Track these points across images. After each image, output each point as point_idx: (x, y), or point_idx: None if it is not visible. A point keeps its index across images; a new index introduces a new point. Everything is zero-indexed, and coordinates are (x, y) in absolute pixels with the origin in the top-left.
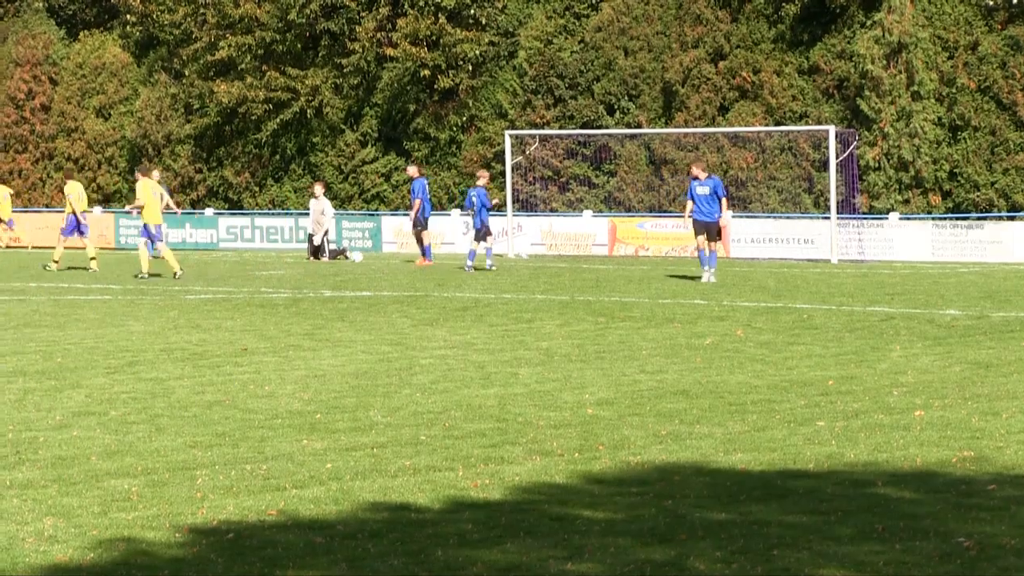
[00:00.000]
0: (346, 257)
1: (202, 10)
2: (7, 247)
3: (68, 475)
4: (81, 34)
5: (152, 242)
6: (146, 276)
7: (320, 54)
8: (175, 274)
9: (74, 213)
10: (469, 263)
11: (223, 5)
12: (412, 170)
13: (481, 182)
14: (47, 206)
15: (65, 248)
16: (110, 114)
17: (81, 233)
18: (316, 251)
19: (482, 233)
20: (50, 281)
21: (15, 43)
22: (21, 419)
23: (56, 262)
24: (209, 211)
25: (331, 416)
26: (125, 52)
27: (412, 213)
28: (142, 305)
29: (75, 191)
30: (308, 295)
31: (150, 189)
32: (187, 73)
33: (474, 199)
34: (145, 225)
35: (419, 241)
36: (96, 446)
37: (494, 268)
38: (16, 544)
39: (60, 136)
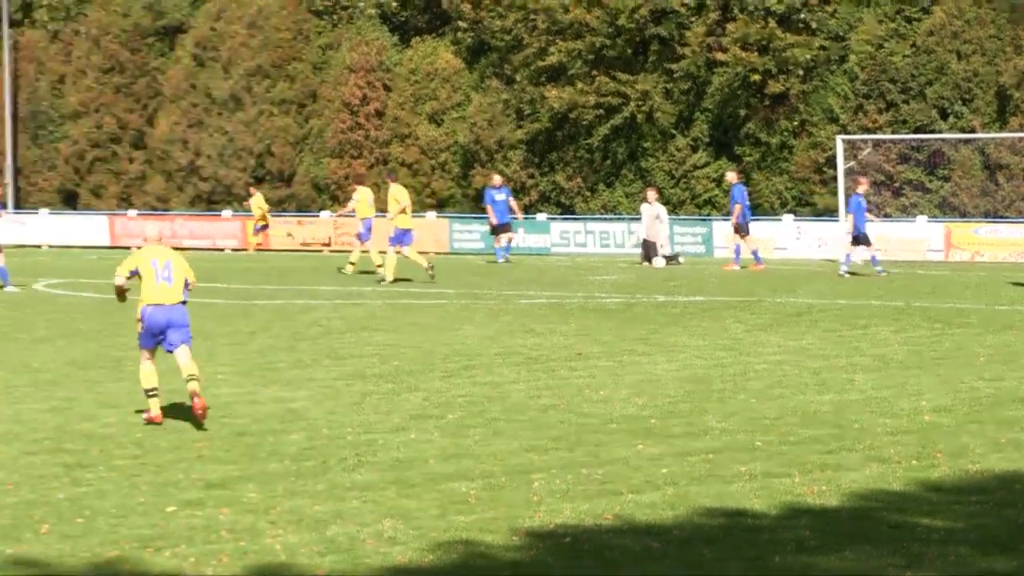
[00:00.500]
0: (678, 262)
1: (532, 16)
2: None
3: (406, 477)
4: (413, 40)
5: (398, 244)
6: (388, 280)
7: (650, 59)
8: (381, 280)
9: (368, 218)
10: (844, 267)
11: (553, 11)
12: (731, 176)
13: (860, 189)
14: (381, 211)
15: (362, 252)
16: (442, 120)
17: (360, 238)
18: (649, 255)
19: (862, 239)
20: (386, 286)
21: (349, 49)
22: (360, 422)
23: (352, 264)
24: (542, 216)
25: (666, 421)
26: (457, 58)
27: (732, 219)
28: (477, 309)
29: (365, 197)
30: (642, 300)
31: (404, 194)
32: (518, 79)
33: (861, 202)
34: (395, 229)
35: (742, 247)
36: (434, 449)
37: (883, 274)
38: (357, 545)
39: (394, 142)
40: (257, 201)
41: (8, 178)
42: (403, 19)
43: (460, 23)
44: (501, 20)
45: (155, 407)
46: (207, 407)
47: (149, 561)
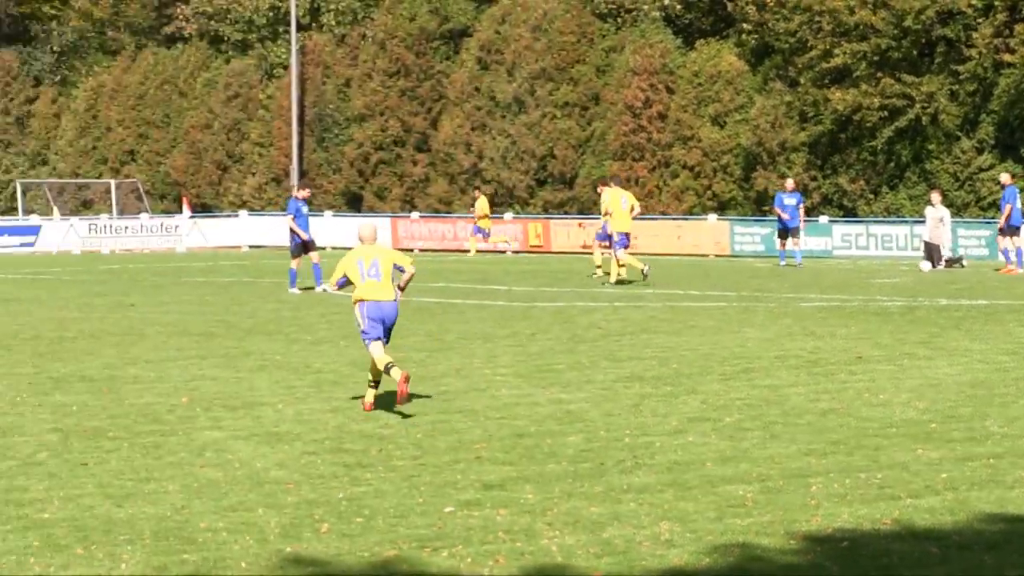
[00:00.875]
0: (962, 265)
1: (817, 18)
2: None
3: (684, 480)
4: (697, 43)
5: (616, 248)
6: (611, 283)
7: (936, 60)
8: (604, 282)
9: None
10: None
11: (838, 12)
12: (1005, 177)
13: None
14: (663, 213)
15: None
16: (725, 122)
17: (601, 239)
18: (932, 258)
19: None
20: (666, 288)
21: (632, 52)
22: (638, 424)
23: (642, 270)
24: (823, 219)
25: (946, 425)
26: (740, 60)
27: (1001, 220)
28: (757, 312)
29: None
30: (923, 303)
31: (618, 198)
32: (802, 81)
33: None
34: (613, 232)
35: (1009, 248)
36: (711, 452)
37: None
38: (633, 547)
39: (676, 144)
40: (482, 204)
41: (294, 180)
42: (687, 22)
43: (744, 25)
44: (786, 22)
45: (396, 374)
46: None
47: (426, 561)
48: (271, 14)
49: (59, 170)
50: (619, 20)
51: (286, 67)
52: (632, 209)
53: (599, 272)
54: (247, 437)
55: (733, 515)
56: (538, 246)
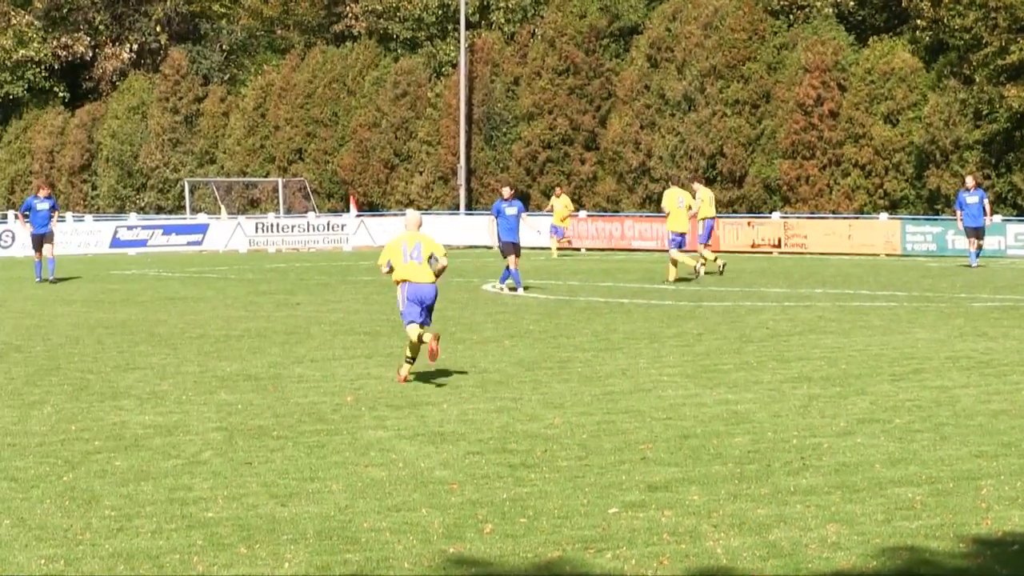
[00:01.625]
0: None
1: (993, 14)
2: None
3: (851, 482)
4: (870, 39)
5: (671, 247)
6: (670, 284)
7: None
8: (664, 280)
9: (707, 219)
10: None
11: (1015, 8)
12: None
13: None
14: (833, 212)
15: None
16: (898, 120)
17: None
18: None
19: None
20: (835, 287)
21: (804, 49)
22: (805, 425)
23: (713, 261)
24: (997, 218)
25: None
26: (914, 57)
27: None
28: (927, 312)
29: (706, 195)
30: None
31: (675, 197)
32: (977, 78)
33: None
34: (669, 231)
35: None
36: (880, 454)
37: None
38: (799, 550)
39: (847, 142)
40: (564, 203)
41: (461, 178)
42: (860, 18)
43: (918, 21)
44: (961, 19)
45: (406, 371)
46: (437, 348)
47: (590, 562)
48: (440, 12)
49: (227, 169)
50: (791, 17)
51: (455, 65)
52: (689, 209)
53: (702, 268)
54: (411, 437)
55: (902, 518)
56: (706, 246)
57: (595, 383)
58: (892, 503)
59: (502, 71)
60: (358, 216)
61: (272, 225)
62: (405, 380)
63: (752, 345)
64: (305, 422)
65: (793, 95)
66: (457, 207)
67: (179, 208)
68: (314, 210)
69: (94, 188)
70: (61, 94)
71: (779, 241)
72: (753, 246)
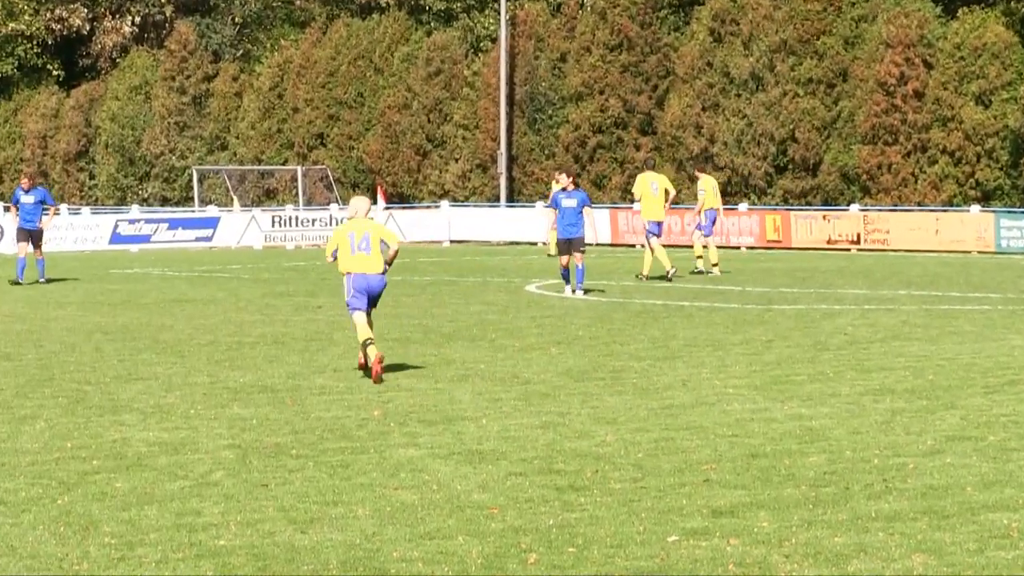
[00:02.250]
0: None
1: None
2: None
3: (940, 507)
4: (959, 11)
5: (649, 237)
6: (643, 279)
7: None
8: (638, 275)
9: (712, 209)
10: None
11: None
12: None
13: None
14: (919, 204)
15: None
16: (991, 101)
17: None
18: None
19: None
20: (921, 288)
21: (886, 22)
22: (888, 443)
23: (716, 264)
24: None
25: None
26: (1009, 31)
27: None
28: (1023, 316)
29: (709, 185)
30: None
31: (647, 183)
32: None
33: None
34: (645, 221)
35: None
36: (972, 475)
37: None
38: None
39: (934, 126)
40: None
41: (502, 167)
42: None
43: None
44: None
45: (372, 353)
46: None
47: None
48: None
49: (240, 156)
50: None
51: (494, 40)
52: (667, 194)
53: (702, 265)
54: (446, 456)
55: (996, 547)
56: (776, 241)
57: (652, 396)
58: (985, 531)
59: (547, 46)
60: (386, 208)
61: (290, 218)
62: (381, 362)
63: (828, 353)
64: (327, 439)
65: (873, 73)
66: (497, 198)
67: (186, 200)
68: (337, 202)
69: (92, 177)
70: (55, 72)
71: (858, 237)
72: (829, 242)
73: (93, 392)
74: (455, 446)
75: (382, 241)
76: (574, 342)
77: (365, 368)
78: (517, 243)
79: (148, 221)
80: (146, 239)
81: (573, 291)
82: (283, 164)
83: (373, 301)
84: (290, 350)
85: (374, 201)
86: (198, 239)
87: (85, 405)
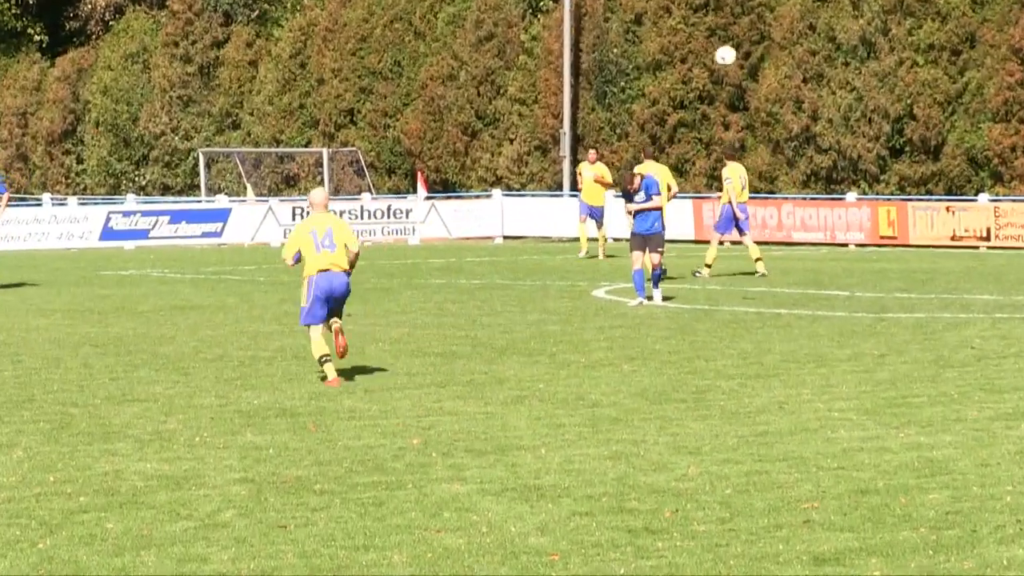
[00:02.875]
0: None
1: None
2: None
3: None
4: None
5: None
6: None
7: None
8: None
9: (730, 204)
10: None
11: None
12: None
13: None
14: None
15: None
16: None
17: (740, 229)
18: None
19: None
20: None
21: None
22: (1023, 477)
23: (708, 266)
24: None
25: None
26: None
27: None
28: None
29: (736, 175)
30: None
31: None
32: None
33: None
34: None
35: None
36: None
37: None
38: None
39: None
40: (599, 171)
41: (565, 148)
42: None
43: None
44: None
45: (331, 372)
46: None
47: None
48: None
49: (255, 136)
50: None
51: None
52: (668, 190)
53: (705, 271)
54: (498, 492)
55: None
56: (891, 237)
57: (742, 421)
58: None
59: (620, 6)
60: (428, 199)
61: None
62: (338, 383)
63: (952, 371)
64: (357, 472)
65: (1006, 38)
66: (559, 186)
67: (191, 188)
68: (370, 190)
69: (80, 161)
70: (37, 38)
71: (987, 232)
72: (953, 238)
73: (80, 416)
74: (509, 480)
75: (345, 245)
76: (650, 357)
77: (328, 376)
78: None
79: (146, 214)
80: (144, 235)
81: (649, 297)
82: (306, 146)
83: (337, 309)
84: (314, 366)
85: (414, 190)
86: (205, 235)
87: (71, 431)
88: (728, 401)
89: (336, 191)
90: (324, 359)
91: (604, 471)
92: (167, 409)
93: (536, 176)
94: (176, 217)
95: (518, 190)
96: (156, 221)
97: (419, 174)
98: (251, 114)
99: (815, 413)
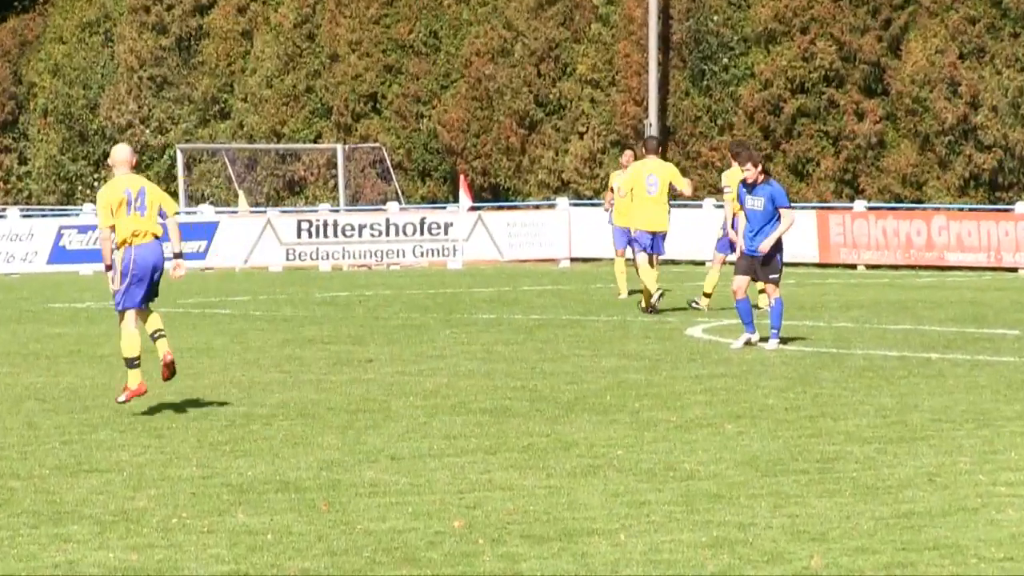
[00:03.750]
0: None
1: None
2: None
3: None
4: None
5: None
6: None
7: None
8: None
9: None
10: None
11: None
12: None
13: None
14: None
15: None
16: None
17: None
18: None
19: None
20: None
21: None
22: None
23: (707, 295)
24: None
25: None
26: None
27: None
28: None
29: (738, 182)
30: None
31: (643, 176)
32: None
33: None
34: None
35: None
36: None
37: None
38: None
39: None
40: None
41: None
42: None
43: None
44: None
45: (137, 377)
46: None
47: None
48: None
49: (249, 128)
50: None
51: None
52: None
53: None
54: None
55: None
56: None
57: (881, 498)
58: None
59: None
60: (473, 209)
61: (325, 224)
62: (141, 393)
63: None
64: (381, 564)
65: None
66: None
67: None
68: (398, 198)
69: (23, 161)
70: None
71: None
72: None
73: (23, 491)
74: (578, 573)
75: (160, 208)
76: (761, 415)
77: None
78: (675, 262)
79: None
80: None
81: (763, 340)
82: (315, 141)
83: (153, 288)
84: (325, 427)
85: (455, 198)
86: (185, 256)
87: (11, 511)
88: (862, 472)
89: (354, 199)
90: (133, 362)
91: (701, 563)
92: (135, 482)
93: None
94: None
95: (589, 199)
96: None
97: (462, 178)
98: (244, 100)
99: (975, 488)
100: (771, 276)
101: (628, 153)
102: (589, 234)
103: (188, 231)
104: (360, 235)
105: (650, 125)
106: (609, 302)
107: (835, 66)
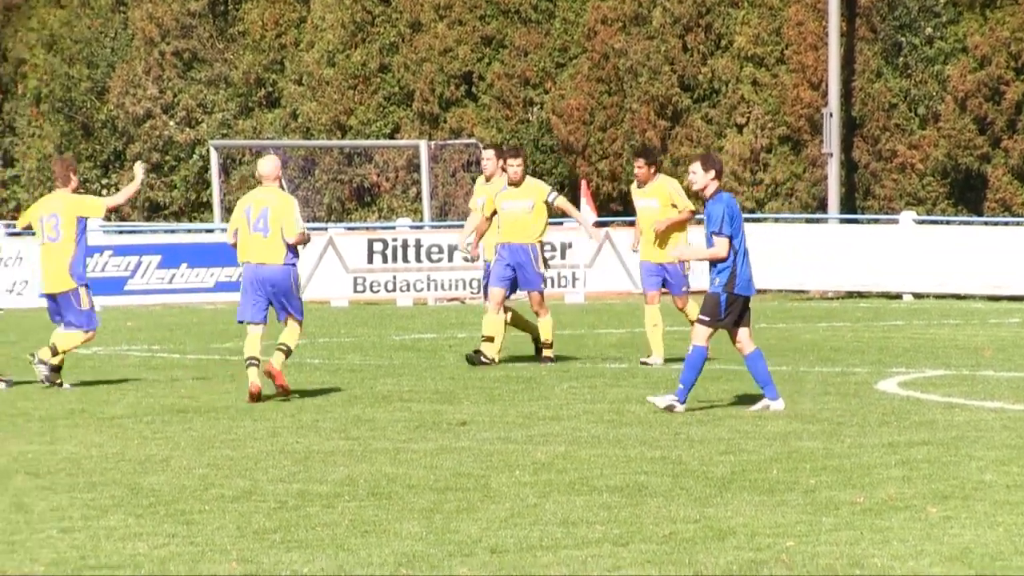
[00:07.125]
0: None
1: None
2: None
3: None
4: None
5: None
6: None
7: None
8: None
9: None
10: None
11: None
12: None
13: None
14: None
15: None
16: None
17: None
18: None
19: None
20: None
21: None
22: None
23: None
24: None
25: None
26: None
27: None
28: None
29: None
30: None
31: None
32: None
33: None
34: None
35: None
36: None
37: None
38: None
39: None
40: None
41: (831, 140)
42: None
43: None
44: None
45: (252, 375)
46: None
47: None
48: None
49: (304, 119)
50: None
51: None
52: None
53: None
54: None
55: None
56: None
57: None
58: None
59: None
60: (597, 225)
61: (405, 245)
62: (257, 396)
63: None
64: None
65: None
66: (822, 204)
67: (197, 208)
68: None
69: (9, 163)
70: None
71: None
72: None
73: None
74: None
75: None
76: (976, 495)
77: (257, 397)
78: (863, 294)
79: (120, 250)
80: (117, 286)
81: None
82: (391, 136)
83: (281, 304)
84: (404, 510)
85: (576, 204)
86: (220, 286)
87: None
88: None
89: (442, 212)
90: (251, 361)
91: None
92: None
93: (782, 187)
94: (171, 257)
95: (751, 210)
96: (137, 263)
97: (583, 184)
98: (298, 83)
99: None
100: None
101: (640, 163)
102: (751, 255)
103: (225, 254)
104: (450, 259)
105: (830, 115)
106: (777, 347)
107: None
